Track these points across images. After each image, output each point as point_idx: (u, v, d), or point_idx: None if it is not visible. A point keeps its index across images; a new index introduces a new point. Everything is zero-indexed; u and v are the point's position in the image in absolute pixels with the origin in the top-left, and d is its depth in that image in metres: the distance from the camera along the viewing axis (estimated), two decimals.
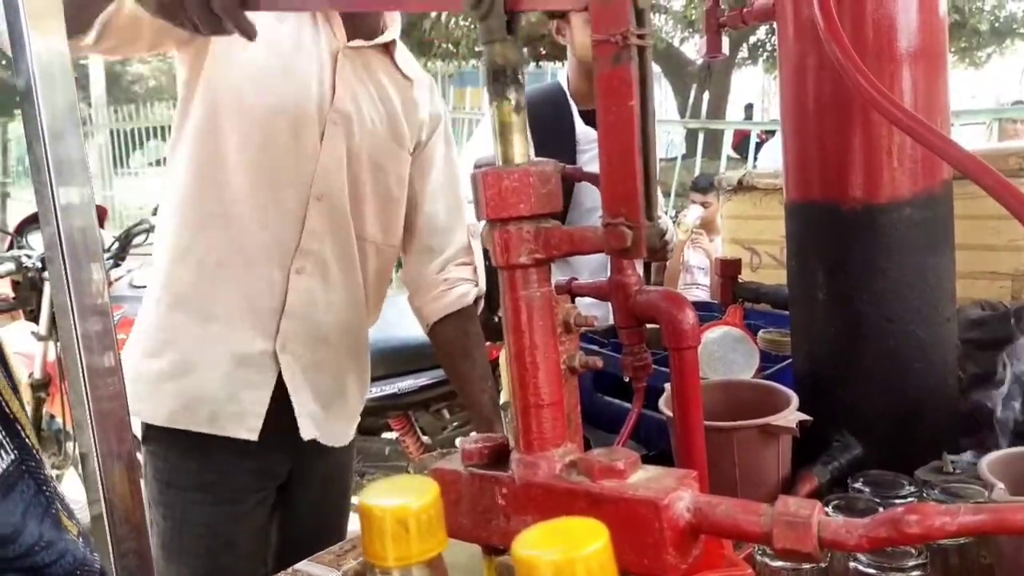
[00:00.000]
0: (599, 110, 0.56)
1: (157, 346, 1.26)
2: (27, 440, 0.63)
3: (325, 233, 1.27)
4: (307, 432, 1.30)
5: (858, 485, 0.86)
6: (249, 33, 0.97)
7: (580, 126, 2.19)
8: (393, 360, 2.62)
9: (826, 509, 0.80)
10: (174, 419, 1.25)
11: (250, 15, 1.19)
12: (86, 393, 0.68)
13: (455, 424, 2.91)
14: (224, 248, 1.24)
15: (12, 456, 0.63)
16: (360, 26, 1.30)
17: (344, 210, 1.28)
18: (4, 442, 0.64)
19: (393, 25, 1.35)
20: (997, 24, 12.53)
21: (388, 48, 1.35)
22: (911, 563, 0.70)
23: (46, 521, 0.63)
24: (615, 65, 0.55)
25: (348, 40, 1.28)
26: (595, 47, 0.55)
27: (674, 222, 3.91)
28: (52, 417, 3.11)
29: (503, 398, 1.72)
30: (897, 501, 0.82)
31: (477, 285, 1.44)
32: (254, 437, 1.26)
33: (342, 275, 1.31)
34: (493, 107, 0.59)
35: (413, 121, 1.36)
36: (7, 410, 0.64)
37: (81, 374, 0.68)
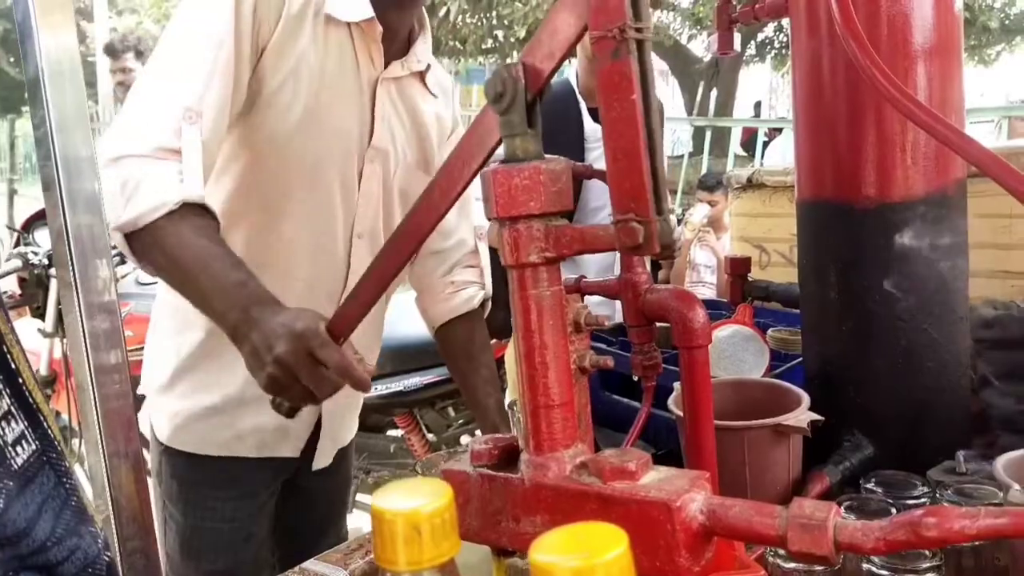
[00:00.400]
0: (601, 107, 0.56)
1: (205, 384, 1.23)
2: (49, 431, 0.63)
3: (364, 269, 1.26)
4: (323, 460, 1.35)
5: (870, 485, 0.85)
6: (365, 386, 0.95)
7: (589, 123, 2.19)
8: (398, 358, 2.62)
9: (840, 510, 0.79)
10: (223, 450, 1.24)
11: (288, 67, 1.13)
12: (93, 391, 0.68)
13: (460, 422, 2.91)
14: (278, 293, 1.19)
15: (34, 447, 0.62)
16: (393, 42, 1.25)
17: (381, 244, 1.27)
18: (27, 432, 0.63)
19: (424, 43, 1.30)
20: (1007, 22, 12.47)
21: (422, 74, 1.31)
22: (925, 565, 0.69)
23: (64, 513, 0.63)
24: (614, 60, 0.54)
25: (385, 65, 1.24)
26: (593, 43, 0.54)
27: (680, 221, 3.90)
28: (58, 414, 3.12)
29: (508, 396, 1.71)
30: (910, 502, 0.82)
31: (483, 288, 1.44)
32: (297, 455, 1.29)
33: (378, 305, 1.30)
34: None
35: (441, 136, 1.35)
36: (31, 400, 0.64)
37: (88, 372, 0.68)
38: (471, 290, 1.41)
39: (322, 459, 1.35)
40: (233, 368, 1.21)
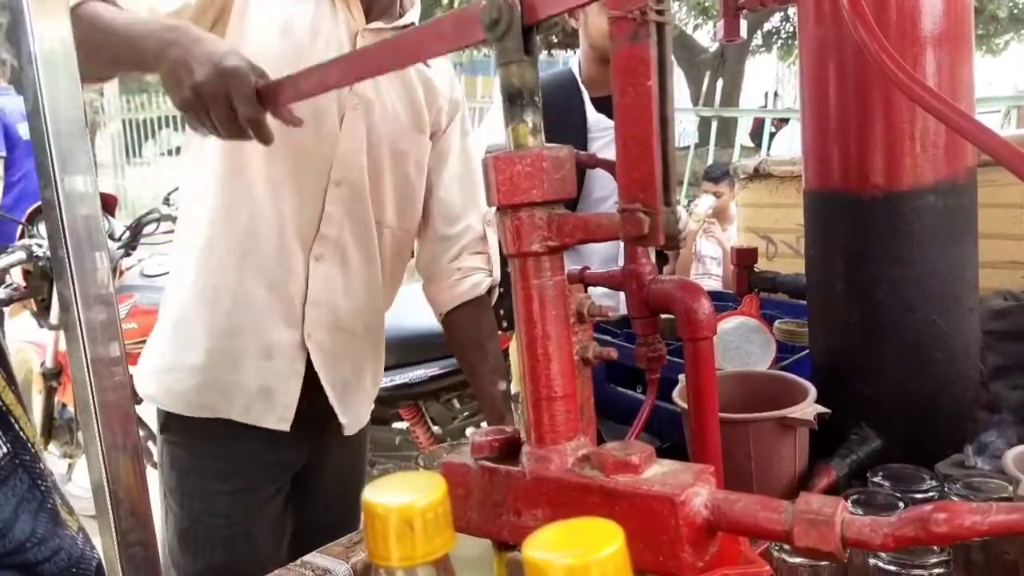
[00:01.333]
0: (615, 92, 0.54)
1: (189, 338, 1.25)
2: (22, 433, 0.62)
3: (344, 219, 1.26)
4: (343, 420, 1.33)
5: (878, 479, 0.84)
6: (268, 140, 0.97)
7: (592, 113, 2.17)
8: (404, 350, 2.61)
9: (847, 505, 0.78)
10: (210, 410, 1.25)
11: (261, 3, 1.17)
12: (90, 383, 0.67)
13: (465, 414, 2.90)
14: (248, 237, 1.23)
15: (5, 450, 0.62)
16: (376, 5, 1.28)
17: (363, 196, 1.27)
18: None
19: (412, 8, 1.33)
20: (1016, 11, 12.37)
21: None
22: (933, 560, 0.68)
23: (41, 516, 0.62)
24: (633, 43, 0.52)
25: (367, 22, 1.26)
26: (612, 25, 0.53)
27: (686, 210, 3.88)
28: (64, 406, 3.12)
29: (513, 388, 1.70)
30: (918, 496, 0.80)
31: (491, 275, 1.43)
32: (286, 427, 1.27)
33: (361, 261, 1.30)
34: (509, 129, 0.57)
35: (433, 106, 1.35)
36: (1, 403, 0.63)
37: (85, 364, 0.67)
38: (478, 276, 1.40)
39: (351, 426, 1.33)
40: (213, 325, 1.23)
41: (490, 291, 1.43)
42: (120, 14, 1.07)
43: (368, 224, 1.29)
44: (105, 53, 1.05)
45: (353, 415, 1.36)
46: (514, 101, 0.57)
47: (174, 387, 1.26)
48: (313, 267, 1.25)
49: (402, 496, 0.33)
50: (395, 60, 0.78)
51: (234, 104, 0.92)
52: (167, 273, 1.36)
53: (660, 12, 0.52)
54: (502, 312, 1.74)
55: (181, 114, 1.00)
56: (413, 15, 1.33)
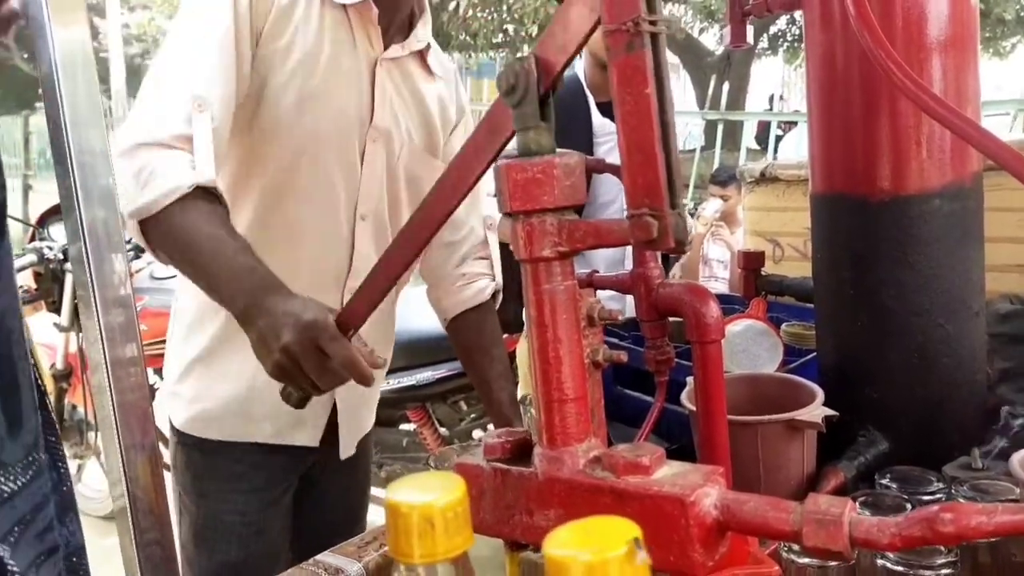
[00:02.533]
0: (615, 100, 0.55)
1: (221, 373, 1.25)
2: (52, 414, 0.64)
3: (371, 252, 1.26)
4: (347, 450, 1.35)
5: (885, 481, 0.85)
6: (368, 380, 0.95)
7: (597, 118, 2.18)
8: (411, 352, 2.62)
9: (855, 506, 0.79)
10: (241, 435, 1.26)
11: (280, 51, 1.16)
12: (109, 385, 0.68)
13: (472, 416, 2.91)
14: (285, 277, 1.20)
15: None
16: (393, 24, 1.27)
17: (385, 226, 1.28)
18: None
19: (424, 26, 1.32)
20: (1023, 14, 12.33)
21: (423, 53, 1.32)
22: (941, 560, 0.69)
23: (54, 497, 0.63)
24: (629, 53, 0.54)
25: (385, 47, 1.25)
26: (607, 36, 0.54)
27: (692, 215, 3.89)
28: (74, 407, 3.14)
29: (520, 391, 1.71)
30: (925, 498, 0.81)
31: (494, 279, 1.44)
32: (315, 444, 1.29)
33: (387, 299, 1.30)
34: None
35: (446, 122, 1.35)
36: (39, 381, 0.64)
37: (104, 366, 0.68)
38: (482, 282, 1.41)
39: (346, 449, 1.36)
40: (247, 356, 1.22)
41: (494, 296, 1.44)
42: (207, 244, 1.00)
43: (385, 238, 1.29)
44: (191, 275, 1.02)
45: (358, 423, 1.39)
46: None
47: (200, 416, 1.26)
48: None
49: (423, 495, 0.35)
50: (447, 204, 0.74)
51: (326, 351, 0.91)
52: (176, 276, 1.36)
53: (653, 23, 0.53)
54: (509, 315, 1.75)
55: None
56: (426, 33, 1.31)
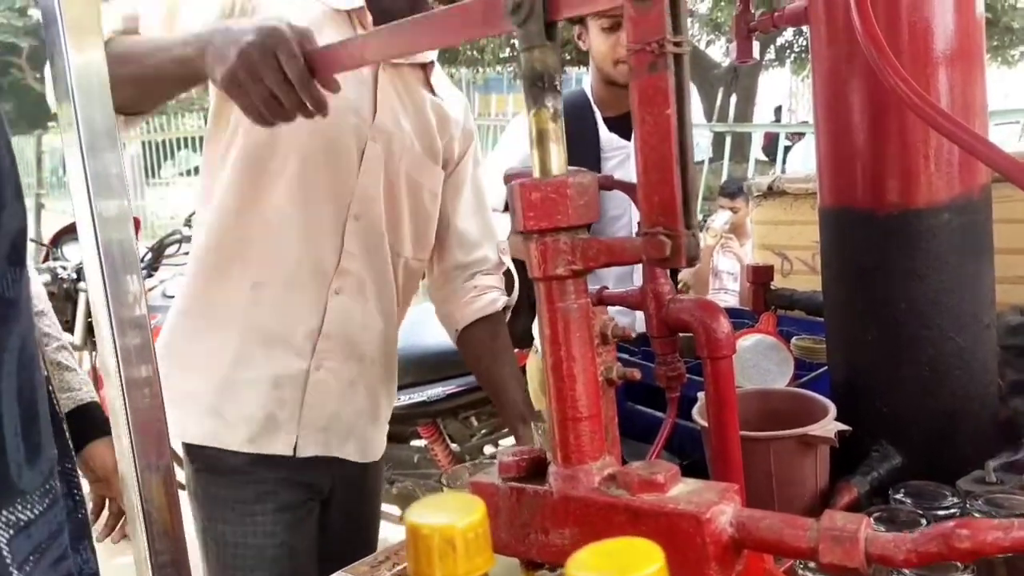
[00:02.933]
0: (635, 119, 0.56)
1: (194, 366, 1.26)
2: (68, 441, 0.64)
3: (362, 253, 1.27)
4: (347, 451, 1.33)
5: (899, 496, 0.85)
6: (322, 107, 0.95)
7: (604, 133, 2.19)
8: (421, 368, 2.62)
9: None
10: (212, 438, 1.25)
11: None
12: (125, 406, 0.69)
13: (483, 431, 2.91)
14: (264, 270, 1.23)
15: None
16: None
17: (380, 229, 1.28)
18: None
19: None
20: None
21: (424, 68, 1.34)
22: (957, 575, 0.68)
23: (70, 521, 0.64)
24: (651, 73, 0.54)
25: None
26: (631, 56, 0.55)
27: (701, 228, 3.89)
28: None
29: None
30: (940, 512, 0.81)
31: (506, 294, 1.44)
32: (289, 452, 1.27)
33: (377, 293, 1.31)
34: (531, 115, 0.59)
35: (445, 135, 1.36)
36: (56, 408, 0.65)
37: (120, 387, 0.69)
38: (494, 294, 1.42)
39: (347, 450, 1.32)
40: (215, 352, 1.23)
41: (505, 309, 1.44)
42: (149, 40, 1.10)
43: (385, 256, 1.30)
44: (149, 76, 1.07)
45: (368, 443, 1.36)
46: (535, 84, 0.58)
47: (182, 418, 1.25)
48: (332, 301, 1.26)
49: (444, 516, 0.35)
50: (429, 39, 0.80)
51: (283, 65, 0.90)
52: None
53: (678, 44, 0.53)
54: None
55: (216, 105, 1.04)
56: (432, 51, 1.34)
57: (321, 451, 1.29)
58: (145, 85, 1.08)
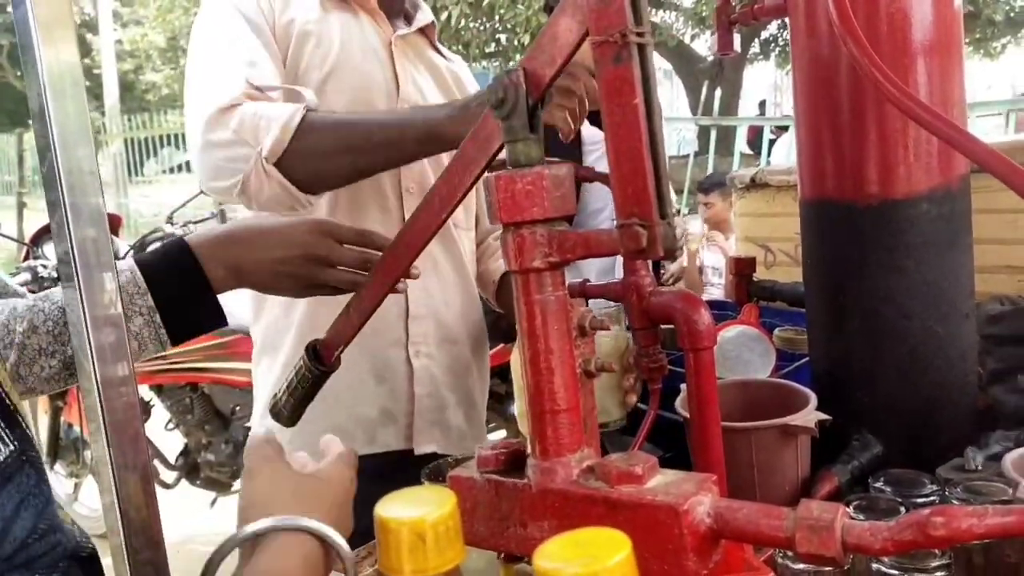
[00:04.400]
0: (604, 112, 0.56)
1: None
2: (28, 431, 0.64)
3: None
4: (429, 445, 1.29)
5: (879, 484, 0.85)
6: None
7: (585, 127, 2.19)
8: None
9: (848, 511, 0.79)
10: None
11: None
12: (100, 404, 0.68)
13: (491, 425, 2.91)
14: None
15: (12, 447, 0.63)
16: (395, 15, 1.31)
17: None
18: (3, 434, 0.64)
19: (422, 11, 1.35)
20: (1012, 14, 12.42)
21: (427, 32, 1.36)
22: (935, 563, 0.69)
23: (47, 511, 0.63)
24: (616, 65, 0.54)
25: (393, 27, 1.29)
26: (595, 48, 0.55)
27: (685, 217, 3.96)
28: (70, 426, 3.13)
29: (516, 406, 1.71)
30: (919, 500, 0.81)
31: None
32: (411, 445, 1.26)
33: (451, 267, 1.30)
34: None
35: (463, 95, 1.36)
36: (8, 401, 0.65)
37: (95, 385, 0.68)
38: None
39: (430, 442, 1.29)
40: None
41: None
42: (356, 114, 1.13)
43: (447, 228, 1.29)
44: (372, 144, 1.08)
45: (463, 437, 1.33)
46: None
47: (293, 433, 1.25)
48: (409, 281, 1.24)
49: (414, 510, 0.35)
50: (437, 216, 0.74)
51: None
52: None
53: (640, 34, 0.53)
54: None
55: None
56: (424, 13, 1.35)
57: (438, 447, 1.28)
58: (346, 165, 1.10)
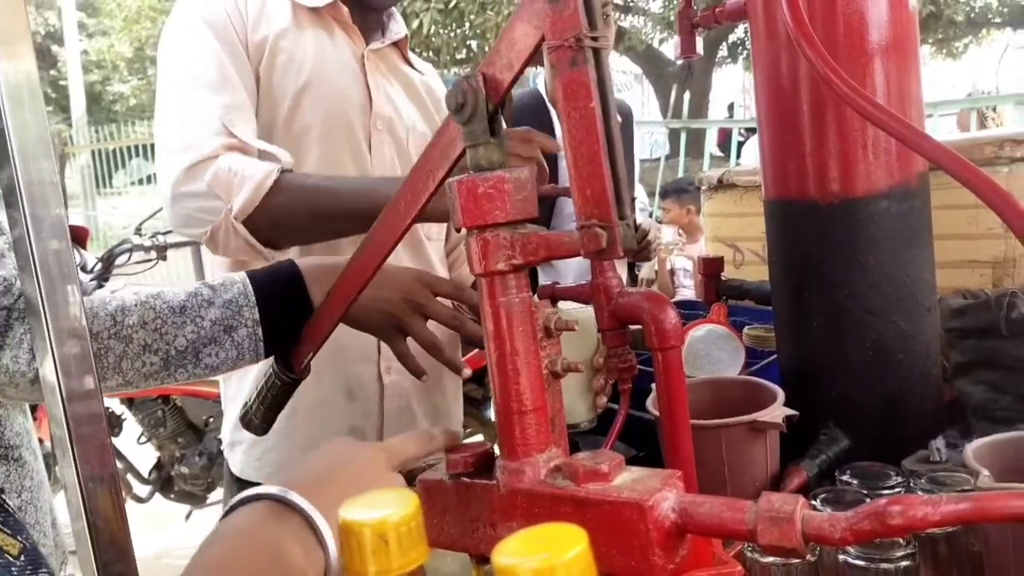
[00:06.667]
0: (561, 115, 0.57)
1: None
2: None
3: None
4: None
5: (845, 477, 0.87)
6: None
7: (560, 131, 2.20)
8: None
9: (814, 503, 0.80)
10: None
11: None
12: (66, 417, 0.68)
13: (468, 431, 2.90)
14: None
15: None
16: (371, 28, 1.31)
17: None
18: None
19: (396, 22, 1.35)
20: (973, 15, 12.65)
21: (400, 46, 1.35)
22: (899, 553, 0.70)
23: None
24: (572, 69, 0.55)
25: (367, 41, 1.28)
26: (551, 53, 0.56)
27: (660, 221, 3.99)
28: (41, 441, 3.08)
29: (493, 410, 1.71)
30: (884, 492, 0.83)
31: None
32: None
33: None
34: None
35: (436, 105, 1.37)
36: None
37: (60, 398, 0.68)
38: None
39: None
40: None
41: None
42: (329, 180, 1.13)
43: (420, 244, 1.30)
44: (340, 212, 1.08)
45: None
46: None
47: (259, 458, 1.25)
48: None
49: (375, 512, 0.35)
50: (401, 224, 0.76)
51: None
52: None
53: (595, 39, 0.54)
54: None
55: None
56: (398, 24, 1.35)
57: None
58: (311, 231, 1.13)
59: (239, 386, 1.28)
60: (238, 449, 1.29)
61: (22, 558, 0.63)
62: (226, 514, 0.57)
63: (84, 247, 2.96)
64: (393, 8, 1.35)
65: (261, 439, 1.22)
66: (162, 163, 1.12)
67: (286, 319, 0.93)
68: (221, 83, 1.13)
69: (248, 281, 0.93)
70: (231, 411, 1.31)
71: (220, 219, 1.08)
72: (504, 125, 0.64)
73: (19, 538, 0.64)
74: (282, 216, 1.08)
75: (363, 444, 0.67)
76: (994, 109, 6.46)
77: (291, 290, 0.94)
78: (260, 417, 0.96)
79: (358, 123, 1.24)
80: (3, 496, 0.63)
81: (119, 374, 0.84)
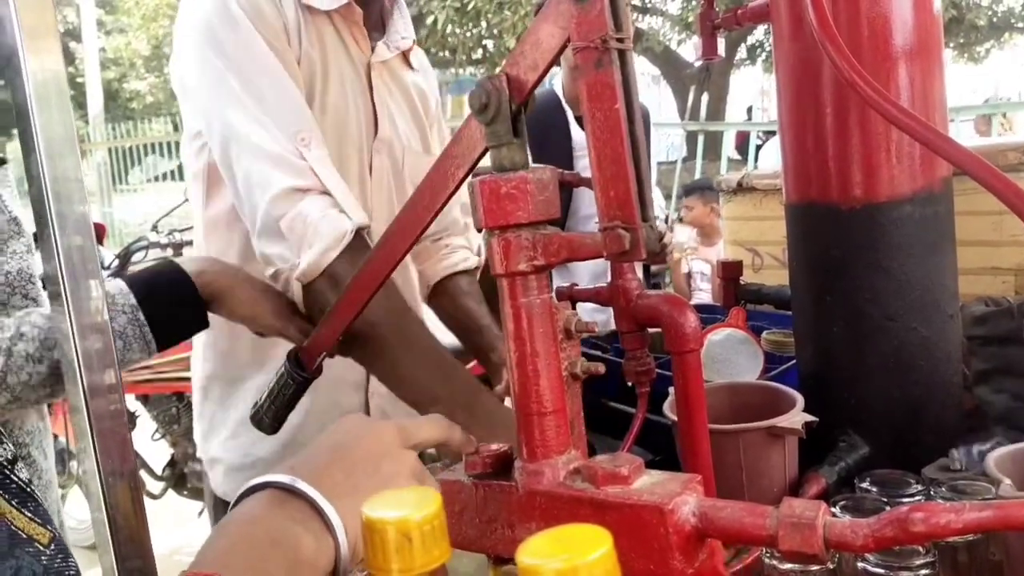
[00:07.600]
0: (586, 117, 0.57)
1: (254, 436, 1.17)
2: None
3: None
4: None
5: (865, 485, 0.86)
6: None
7: (576, 132, 2.20)
8: None
9: (833, 509, 0.79)
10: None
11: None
12: (88, 412, 0.68)
13: None
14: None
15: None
16: (370, 22, 1.25)
17: None
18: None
19: (403, 19, 1.30)
20: (995, 19, 12.55)
21: (406, 53, 1.32)
22: (919, 562, 0.69)
23: None
24: (598, 70, 0.55)
25: (372, 48, 1.24)
26: (576, 54, 0.55)
27: (680, 220, 4.00)
28: (56, 436, 3.11)
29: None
30: (904, 500, 0.82)
31: (477, 255, 1.43)
32: None
33: (409, 299, 1.27)
34: None
35: (429, 116, 1.35)
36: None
37: (82, 392, 0.68)
38: (464, 252, 1.40)
39: None
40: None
41: (475, 268, 1.42)
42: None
43: (405, 263, 1.29)
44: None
45: None
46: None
47: (235, 478, 1.23)
48: None
49: (399, 510, 0.35)
50: (420, 221, 0.76)
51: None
52: None
53: (621, 40, 0.54)
54: None
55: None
56: (405, 24, 1.30)
57: None
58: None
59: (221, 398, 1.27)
60: (217, 469, 1.28)
61: (52, 547, 0.63)
62: (235, 503, 0.57)
63: (101, 244, 2.98)
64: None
65: (240, 461, 1.23)
66: (246, 173, 1.06)
67: (169, 306, 0.91)
68: (288, 95, 1.09)
69: (122, 279, 0.91)
70: (199, 427, 1.30)
71: (286, 268, 1.05)
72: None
73: (49, 528, 0.64)
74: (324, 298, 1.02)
75: (376, 421, 0.66)
76: (1004, 115, 6.40)
77: (165, 275, 0.93)
78: (271, 416, 0.97)
79: (364, 147, 1.21)
80: (31, 487, 0.64)
81: (6, 390, 0.83)
